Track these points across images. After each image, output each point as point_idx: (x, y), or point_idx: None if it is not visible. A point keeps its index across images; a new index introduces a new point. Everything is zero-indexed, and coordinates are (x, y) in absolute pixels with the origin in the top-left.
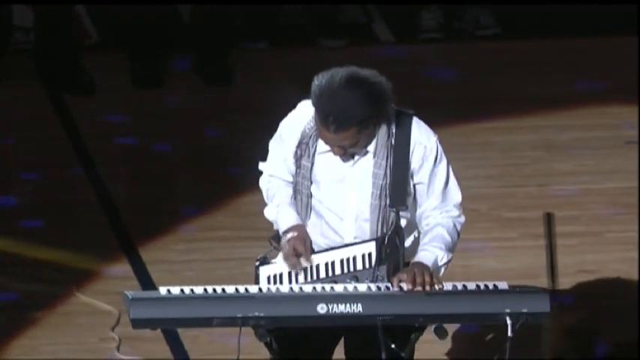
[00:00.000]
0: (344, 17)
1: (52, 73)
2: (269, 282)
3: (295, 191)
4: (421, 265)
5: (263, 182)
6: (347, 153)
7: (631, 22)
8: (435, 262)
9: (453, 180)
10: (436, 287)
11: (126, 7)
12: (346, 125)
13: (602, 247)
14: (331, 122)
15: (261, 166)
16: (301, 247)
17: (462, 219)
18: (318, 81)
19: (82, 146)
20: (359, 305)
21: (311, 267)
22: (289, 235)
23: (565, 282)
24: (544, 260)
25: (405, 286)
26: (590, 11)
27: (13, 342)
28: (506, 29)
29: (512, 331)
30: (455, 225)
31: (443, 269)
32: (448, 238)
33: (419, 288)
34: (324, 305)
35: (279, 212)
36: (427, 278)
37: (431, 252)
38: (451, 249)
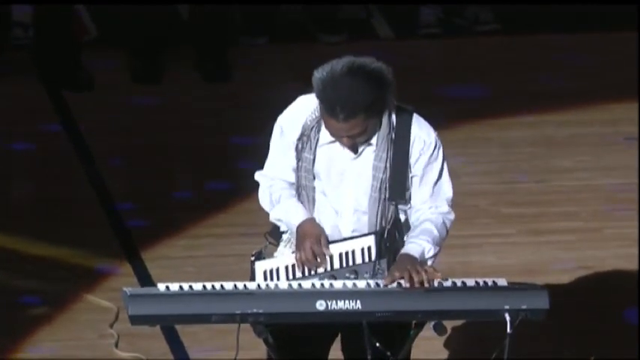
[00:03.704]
0: (343, 13)
1: (51, 69)
2: (265, 277)
3: (299, 186)
4: (410, 259)
5: (263, 190)
6: (355, 144)
7: (631, 18)
8: (422, 254)
9: (446, 176)
10: (435, 282)
11: (125, 3)
12: (354, 112)
13: (601, 244)
14: (339, 111)
15: (259, 175)
16: (318, 250)
17: (452, 216)
18: (319, 73)
19: (81, 142)
20: (358, 302)
21: None
22: (302, 232)
23: (564, 278)
24: (543, 256)
25: (403, 283)
26: (589, 7)
27: (12, 338)
28: (505, 25)
29: (512, 328)
30: (444, 221)
31: (430, 262)
32: (436, 233)
33: (423, 280)
34: (323, 302)
35: (289, 210)
36: (424, 275)
37: (418, 244)
38: (438, 243)
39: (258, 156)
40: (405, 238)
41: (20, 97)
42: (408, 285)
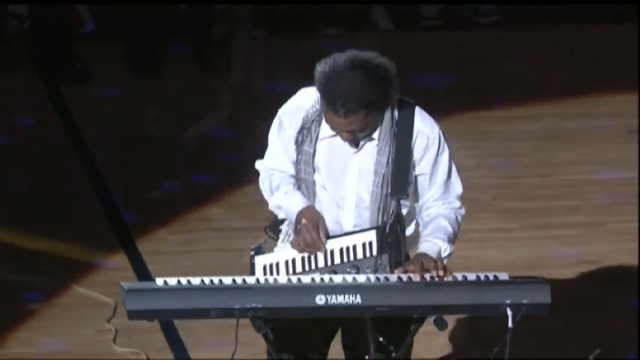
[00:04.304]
0: (344, 5)
1: (47, 61)
2: (265, 272)
3: (298, 180)
4: (427, 257)
5: (263, 178)
6: (356, 138)
7: (631, 9)
8: (439, 253)
9: (455, 172)
10: (448, 276)
11: None
12: (355, 108)
13: (604, 238)
14: (340, 106)
15: (259, 164)
16: (315, 235)
17: (463, 211)
18: (322, 67)
19: (78, 135)
20: (358, 296)
21: (309, 256)
22: (301, 217)
23: (566, 273)
24: (545, 251)
25: (404, 277)
26: (590, 1)
27: (9, 334)
28: (507, 17)
29: (513, 322)
30: (456, 217)
31: (445, 262)
32: (450, 229)
33: (431, 273)
34: (322, 296)
35: (289, 198)
36: (439, 263)
37: (434, 243)
38: (452, 241)
39: (256, 148)
40: (407, 233)
41: (16, 89)
42: (419, 279)
